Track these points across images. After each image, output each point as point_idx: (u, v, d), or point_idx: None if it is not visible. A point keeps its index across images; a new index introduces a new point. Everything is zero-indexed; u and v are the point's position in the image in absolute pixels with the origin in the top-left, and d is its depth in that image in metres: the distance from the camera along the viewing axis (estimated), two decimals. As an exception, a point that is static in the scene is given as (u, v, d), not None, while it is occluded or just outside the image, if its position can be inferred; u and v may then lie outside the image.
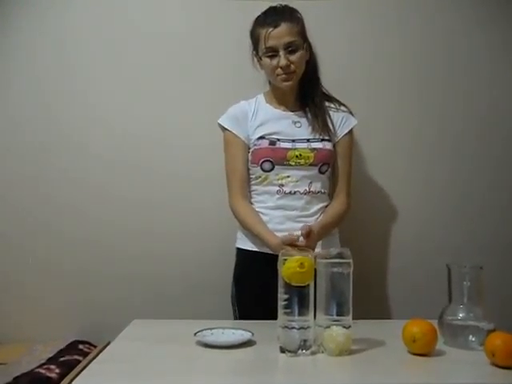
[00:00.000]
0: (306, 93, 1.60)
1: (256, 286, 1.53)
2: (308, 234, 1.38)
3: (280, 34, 1.48)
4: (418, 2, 1.92)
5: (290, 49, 1.49)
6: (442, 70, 1.92)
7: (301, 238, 1.38)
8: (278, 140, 1.53)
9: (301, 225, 1.44)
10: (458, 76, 1.92)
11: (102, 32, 1.88)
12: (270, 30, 1.48)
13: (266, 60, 1.51)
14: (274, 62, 1.50)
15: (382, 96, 1.91)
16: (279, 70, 1.50)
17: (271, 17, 1.51)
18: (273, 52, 1.49)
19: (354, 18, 1.91)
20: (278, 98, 1.60)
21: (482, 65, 1.93)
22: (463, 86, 1.92)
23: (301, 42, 1.52)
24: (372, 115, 1.87)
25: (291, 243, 1.37)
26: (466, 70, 1.93)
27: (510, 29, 1.92)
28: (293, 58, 1.49)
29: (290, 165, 1.52)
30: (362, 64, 1.90)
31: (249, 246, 1.57)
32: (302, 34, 1.53)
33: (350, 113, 1.62)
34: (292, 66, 1.50)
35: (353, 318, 1.15)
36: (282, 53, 1.48)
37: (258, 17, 1.55)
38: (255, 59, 1.58)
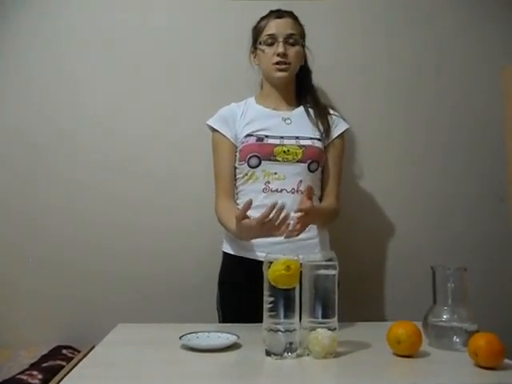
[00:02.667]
0: (301, 94, 1.63)
1: (240, 291, 1.52)
2: (310, 195, 1.34)
3: (283, 24, 1.56)
4: (409, 3, 1.93)
5: (290, 41, 1.55)
6: (433, 72, 1.94)
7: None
8: (266, 137, 1.53)
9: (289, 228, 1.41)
10: (448, 79, 1.94)
11: (98, 34, 1.88)
12: (273, 18, 1.57)
13: (265, 48, 1.56)
14: (273, 49, 1.54)
15: (372, 99, 1.92)
16: (276, 58, 1.53)
17: (276, 11, 1.59)
18: (273, 39, 1.54)
19: (344, 19, 1.92)
20: (271, 97, 1.61)
21: (473, 68, 1.95)
22: (454, 88, 1.94)
23: (300, 40, 1.58)
24: (362, 117, 1.88)
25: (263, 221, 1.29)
26: (457, 73, 1.95)
27: (507, 31, 1.95)
28: (291, 50, 1.55)
29: (278, 160, 1.51)
30: (353, 67, 1.91)
31: (234, 250, 1.56)
32: (302, 35, 1.60)
33: (342, 118, 1.64)
34: (288, 56, 1.54)
35: (339, 321, 1.16)
36: (281, 41, 1.53)
37: (263, 16, 1.61)
38: (252, 56, 1.63)
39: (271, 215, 1.27)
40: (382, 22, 1.93)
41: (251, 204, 1.31)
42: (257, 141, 1.53)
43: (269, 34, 1.55)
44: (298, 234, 1.36)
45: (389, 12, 1.93)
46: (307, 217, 1.35)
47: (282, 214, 1.27)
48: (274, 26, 1.55)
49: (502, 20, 1.95)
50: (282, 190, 1.51)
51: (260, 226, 1.29)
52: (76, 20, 1.88)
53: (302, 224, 1.35)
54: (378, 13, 1.93)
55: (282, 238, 1.34)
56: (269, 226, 1.28)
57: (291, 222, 1.33)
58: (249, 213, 1.49)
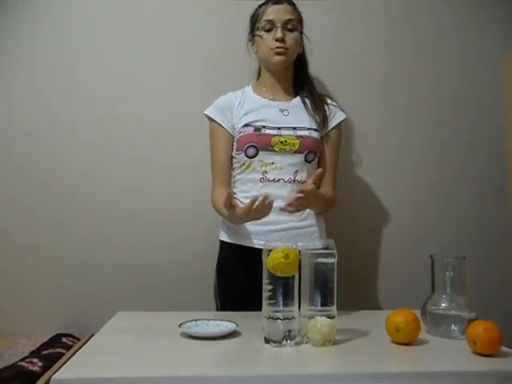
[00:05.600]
0: (298, 84, 1.62)
1: (238, 279, 1.52)
2: (317, 179, 1.38)
3: (281, 9, 1.55)
4: (407, 0, 1.92)
5: (288, 26, 1.54)
6: (433, 62, 1.93)
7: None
8: (264, 127, 1.53)
9: (286, 217, 1.44)
10: (448, 69, 1.93)
11: (98, 28, 1.87)
12: (271, 4, 1.56)
13: (263, 34, 1.55)
14: (271, 34, 1.53)
15: (372, 90, 1.91)
16: (274, 43, 1.52)
17: None
18: (271, 25, 1.54)
19: (344, 17, 1.91)
20: (268, 87, 1.60)
21: (474, 58, 1.94)
22: (454, 79, 1.93)
23: (298, 26, 1.56)
24: (362, 110, 1.88)
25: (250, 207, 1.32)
26: (457, 63, 1.94)
27: (504, 29, 1.93)
28: (289, 36, 1.54)
29: (275, 151, 1.51)
30: (352, 58, 1.90)
31: (231, 238, 1.56)
32: (300, 22, 1.59)
33: (339, 108, 1.64)
34: (287, 42, 1.53)
35: (338, 309, 1.16)
36: (279, 26, 1.53)
37: (261, 3, 1.60)
38: (250, 43, 1.62)
39: (255, 205, 1.30)
40: (381, 12, 1.91)
41: (231, 196, 1.35)
42: (254, 131, 1.53)
43: (267, 20, 1.54)
44: (293, 211, 1.38)
45: (389, 7, 1.92)
46: (306, 199, 1.36)
47: (266, 202, 1.30)
48: (272, 12, 1.54)
49: (502, 9, 1.93)
50: (279, 180, 1.51)
51: (246, 215, 1.33)
52: (77, 16, 1.87)
53: (300, 203, 1.36)
54: (377, 3, 1.91)
55: (279, 210, 1.38)
56: (254, 213, 1.32)
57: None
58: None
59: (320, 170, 1.44)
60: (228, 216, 1.39)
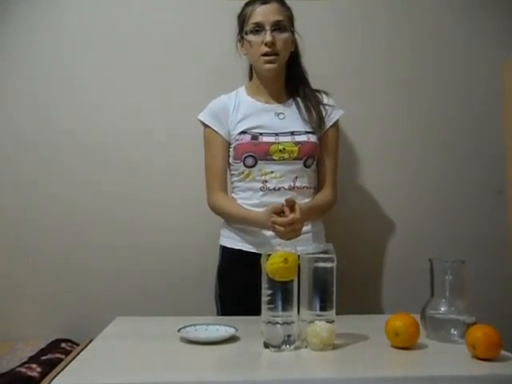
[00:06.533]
0: (292, 85, 1.59)
1: (239, 284, 1.52)
2: (291, 205, 1.37)
3: (269, 10, 1.48)
4: (407, 0, 1.93)
5: (277, 27, 1.48)
6: (432, 69, 1.94)
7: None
8: (261, 134, 1.50)
9: None
10: (448, 73, 1.94)
11: (97, 32, 1.88)
12: (259, 5, 1.49)
13: (251, 37, 1.49)
14: (260, 38, 1.48)
15: (372, 95, 1.92)
16: (264, 47, 1.47)
17: None
18: (259, 28, 1.48)
19: (344, 16, 1.91)
20: (261, 89, 1.57)
21: (473, 62, 1.95)
22: (453, 85, 1.94)
23: (288, 25, 1.51)
24: (361, 114, 1.88)
25: (278, 211, 1.37)
26: (456, 67, 1.95)
27: (504, 31, 1.94)
28: (279, 37, 1.48)
29: (274, 159, 1.49)
30: (352, 63, 1.91)
31: (232, 243, 1.56)
32: (290, 20, 1.53)
33: (336, 105, 1.61)
34: (277, 46, 1.48)
35: (337, 314, 1.16)
36: (268, 29, 1.47)
37: (248, 1, 1.54)
38: (239, 44, 1.57)
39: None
40: (381, 12, 1.92)
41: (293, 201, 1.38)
42: (251, 139, 1.50)
43: (255, 23, 1.48)
44: (290, 239, 1.37)
45: (388, 9, 1.93)
46: (291, 226, 1.36)
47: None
48: (259, 14, 1.48)
49: (503, 11, 1.94)
50: (279, 188, 1.50)
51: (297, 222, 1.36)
52: (75, 18, 1.88)
53: (289, 232, 1.37)
54: (377, 3, 1.92)
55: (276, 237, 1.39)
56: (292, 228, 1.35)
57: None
58: (249, 209, 1.51)
59: (288, 199, 1.39)
60: (265, 216, 1.39)
